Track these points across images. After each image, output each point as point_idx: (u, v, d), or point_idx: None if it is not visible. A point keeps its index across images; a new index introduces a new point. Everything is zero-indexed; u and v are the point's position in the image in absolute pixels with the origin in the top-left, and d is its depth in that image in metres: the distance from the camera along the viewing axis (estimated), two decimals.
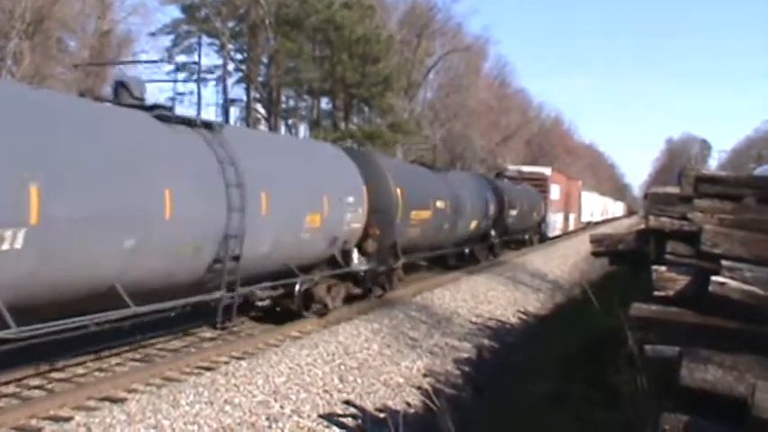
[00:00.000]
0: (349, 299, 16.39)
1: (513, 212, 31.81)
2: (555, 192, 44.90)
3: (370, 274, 16.76)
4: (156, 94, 70.92)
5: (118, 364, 10.95)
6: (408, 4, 54.99)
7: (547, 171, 45.04)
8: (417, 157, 30.16)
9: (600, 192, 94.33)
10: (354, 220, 15.68)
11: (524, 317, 19.00)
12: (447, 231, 22.88)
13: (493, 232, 29.18)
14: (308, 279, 14.27)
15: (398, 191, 17.63)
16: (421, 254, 22.04)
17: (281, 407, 9.35)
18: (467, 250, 26.81)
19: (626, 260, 7.85)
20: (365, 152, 21.79)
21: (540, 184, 42.06)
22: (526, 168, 45.21)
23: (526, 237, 38.18)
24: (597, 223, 75.46)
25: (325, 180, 14.70)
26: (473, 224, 25.78)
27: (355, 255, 15.99)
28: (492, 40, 77.32)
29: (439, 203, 21.39)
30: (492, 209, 28.27)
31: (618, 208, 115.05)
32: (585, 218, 67.26)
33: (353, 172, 16.26)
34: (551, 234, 44.52)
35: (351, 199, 15.45)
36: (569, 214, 52.70)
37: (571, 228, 54.08)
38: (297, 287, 13.81)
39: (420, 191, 20.03)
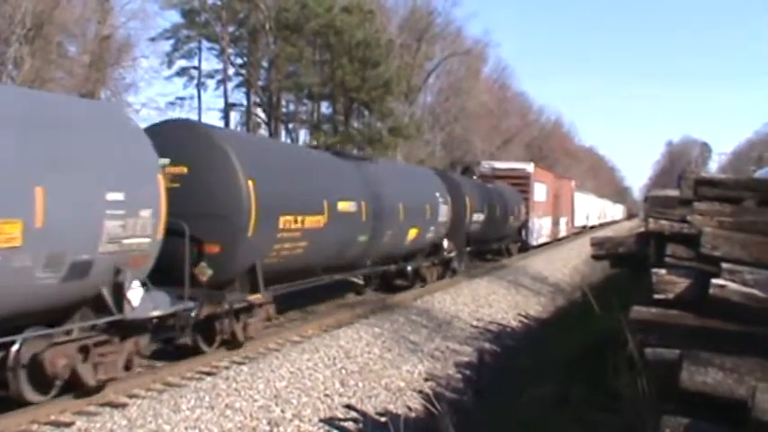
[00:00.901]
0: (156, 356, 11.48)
1: (479, 217, 25.93)
2: (540, 192, 38.22)
3: (184, 319, 10.65)
4: (157, 98, 71.09)
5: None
6: (408, 9, 55.02)
7: (528, 167, 37.53)
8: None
9: (599, 194, 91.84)
10: (133, 231, 9.11)
11: (525, 320, 19.02)
12: (363, 245, 16.31)
13: (446, 243, 22.38)
14: (35, 338, 8.49)
15: (249, 184, 11.53)
16: (310, 280, 14.71)
17: (282, 411, 9.36)
18: (409, 267, 20.09)
19: (626, 263, 7.86)
20: (177, 120, 15.21)
21: (521, 182, 35.50)
22: (502, 164, 38.13)
23: (502, 246, 32.63)
24: (594, 228, 70.98)
25: (44, 158, 8.18)
26: (411, 233, 19.03)
27: (135, 291, 9.24)
28: (492, 43, 77.48)
29: (344, 205, 14.90)
30: (445, 213, 21.39)
31: (617, 211, 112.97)
32: (580, 222, 61.24)
33: (132, 148, 9.64)
34: (536, 242, 38.05)
35: (119, 195, 8.89)
36: (559, 218, 46.17)
37: (562, 234, 48.31)
38: (13, 351, 8.28)
39: (300, 186, 13.53)
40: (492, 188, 30.57)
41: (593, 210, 73.84)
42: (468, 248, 25.71)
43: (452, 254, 23.09)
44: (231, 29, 49.49)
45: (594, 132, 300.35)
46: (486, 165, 36.57)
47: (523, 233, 35.64)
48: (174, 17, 60.17)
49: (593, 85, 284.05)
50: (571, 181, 56.56)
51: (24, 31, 28.77)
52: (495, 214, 28.52)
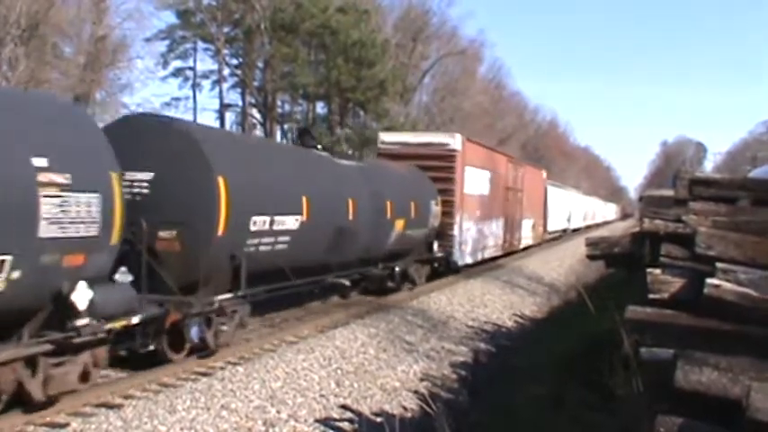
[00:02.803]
0: None
1: (277, 224, 12.82)
2: (476, 181, 24.75)
3: None
4: (152, 99, 71.06)
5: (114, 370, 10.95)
6: (403, 9, 55.13)
7: (453, 141, 23.09)
8: None
9: (587, 191, 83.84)
10: None
11: (521, 320, 19.03)
12: None
13: (89, 300, 8.35)
14: None
15: None
16: None
17: (278, 412, 9.36)
18: None
19: (621, 263, 7.85)
20: None
21: (442, 165, 22.37)
22: (410, 137, 25.50)
23: (397, 270, 19.00)
24: (578, 231, 59.53)
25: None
26: None
27: None
28: (487, 43, 77.65)
29: None
30: (88, 213, 8.50)
31: (609, 210, 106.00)
32: (557, 224, 49.18)
33: None
34: (470, 258, 24.59)
35: None
36: (520, 221, 32.73)
37: (526, 242, 35.19)
38: None
39: None
40: (349, 168, 16.82)
41: (576, 209, 61.12)
42: (248, 294, 12.35)
43: (138, 319, 9.65)
44: (226, 29, 49.55)
45: (590, 132, 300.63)
46: (387, 138, 24.31)
47: (437, 246, 22.00)
48: (170, 18, 60.22)
49: (589, 85, 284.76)
50: (541, 171, 42.97)
51: (19, 32, 28.80)
52: (348, 218, 15.46)
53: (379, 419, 9.30)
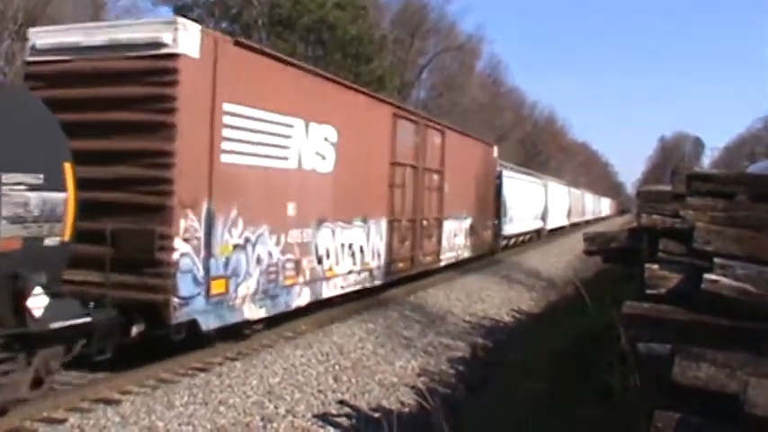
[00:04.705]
0: None
1: None
2: (279, 139, 12.08)
3: None
4: None
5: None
6: (401, 4, 55.14)
7: (176, 37, 9.57)
8: None
9: (577, 185, 75.19)
10: None
11: (518, 315, 19.01)
12: None
13: None
14: None
15: None
16: None
17: (276, 407, 9.36)
18: None
19: (619, 258, 7.86)
20: None
21: (145, 95, 9.70)
22: (84, 35, 10.20)
23: None
24: (559, 230, 49.55)
25: None
26: None
27: None
28: (485, 38, 77.55)
29: None
30: None
31: (603, 205, 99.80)
32: (524, 224, 36.81)
33: None
34: (258, 309, 11.76)
35: None
36: (436, 222, 21.11)
37: (455, 255, 23.53)
38: None
39: None
40: None
41: (556, 203, 48.65)
42: None
43: None
44: (224, 25, 49.41)
45: (588, 128, 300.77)
46: (42, 40, 10.50)
47: (43, 310, 7.66)
48: (167, 13, 59.98)
49: (587, 81, 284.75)
50: (490, 147, 29.25)
51: (16, 27, 28.71)
52: None
53: (377, 415, 9.30)
